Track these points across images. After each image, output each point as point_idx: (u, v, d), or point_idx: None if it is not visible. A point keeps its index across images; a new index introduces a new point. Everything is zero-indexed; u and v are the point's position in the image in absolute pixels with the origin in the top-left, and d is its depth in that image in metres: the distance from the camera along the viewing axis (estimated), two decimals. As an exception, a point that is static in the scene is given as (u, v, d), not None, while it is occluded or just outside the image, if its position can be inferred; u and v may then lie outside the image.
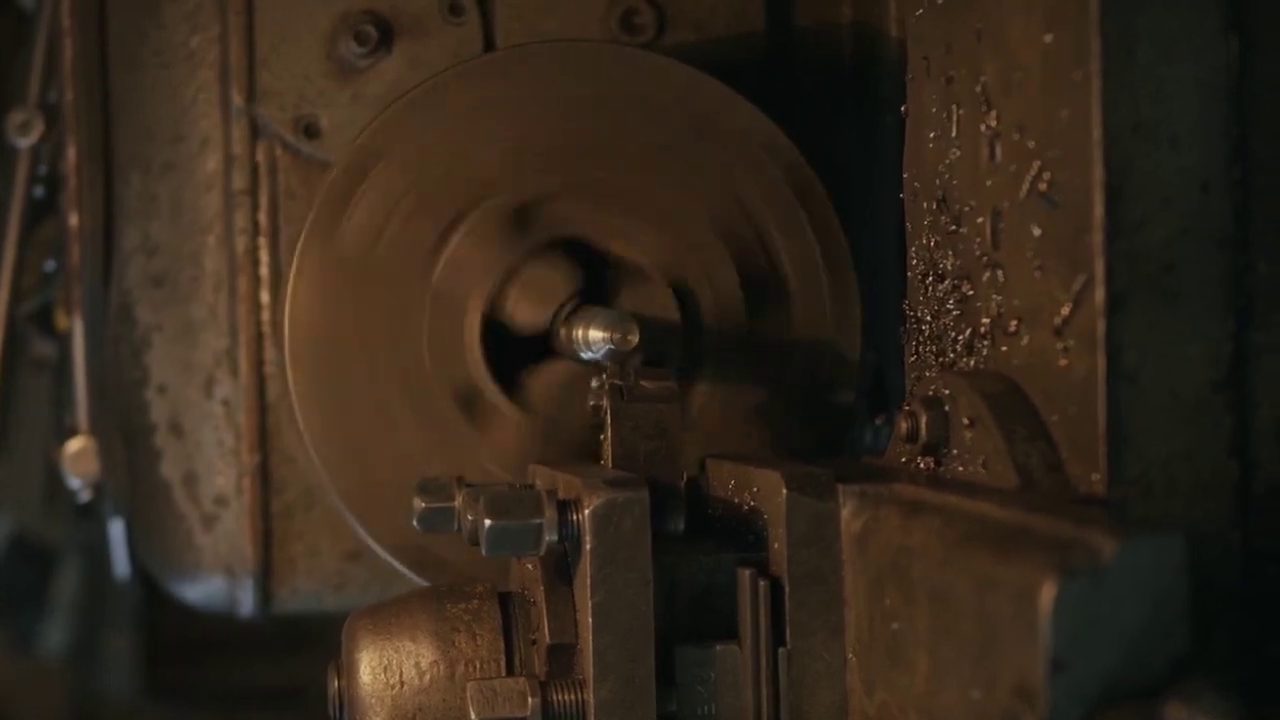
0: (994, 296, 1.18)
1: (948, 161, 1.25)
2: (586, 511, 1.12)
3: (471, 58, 1.49)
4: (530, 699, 1.14)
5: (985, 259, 1.19)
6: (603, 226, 1.43)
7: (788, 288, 1.46)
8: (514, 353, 1.43)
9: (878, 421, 1.57)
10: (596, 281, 1.43)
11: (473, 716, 1.14)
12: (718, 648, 1.15)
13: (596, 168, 1.44)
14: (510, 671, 1.21)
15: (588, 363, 1.36)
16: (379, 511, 1.45)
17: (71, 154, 1.67)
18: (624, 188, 1.44)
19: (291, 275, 1.45)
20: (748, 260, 1.45)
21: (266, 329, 1.60)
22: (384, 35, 1.57)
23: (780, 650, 1.13)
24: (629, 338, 1.30)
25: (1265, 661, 1.08)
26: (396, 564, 1.47)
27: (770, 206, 1.46)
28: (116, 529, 1.77)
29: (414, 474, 1.31)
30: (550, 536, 1.13)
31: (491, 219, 1.42)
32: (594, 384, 1.30)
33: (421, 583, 1.44)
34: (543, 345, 1.43)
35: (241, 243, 1.60)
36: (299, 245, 1.45)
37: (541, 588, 1.18)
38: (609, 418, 1.25)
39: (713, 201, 1.45)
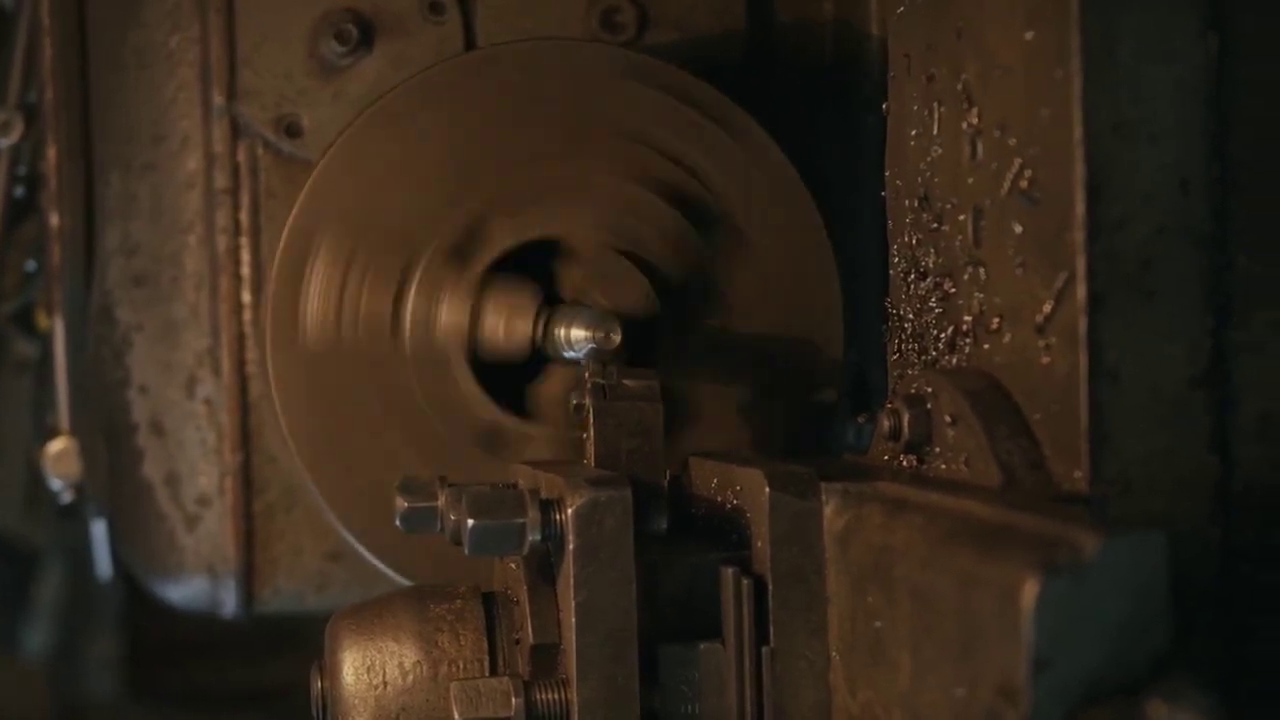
0: (976, 294, 1.18)
1: (929, 159, 1.25)
2: (569, 510, 1.11)
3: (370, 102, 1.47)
4: (514, 699, 1.13)
5: (967, 256, 1.19)
6: (540, 222, 1.40)
7: (735, 217, 1.43)
8: (499, 368, 1.42)
9: (860, 420, 1.57)
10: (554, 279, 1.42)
11: (456, 717, 1.14)
12: (701, 647, 1.15)
13: (513, 174, 1.42)
14: (493, 671, 1.21)
15: (571, 363, 1.35)
16: (361, 511, 1.45)
17: (51, 154, 1.67)
18: (548, 180, 1.42)
19: (271, 377, 1.44)
20: (686, 197, 1.42)
21: (248, 329, 1.60)
22: (365, 34, 1.57)
23: (764, 649, 1.13)
24: (611, 336, 1.30)
25: (1240, 660, 1.09)
26: (378, 564, 1.46)
27: (687, 137, 1.43)
28: (98, 530, 1.76)
29: (397, 472, 1.30)
30: (533, 536, 1.13)
31: (434, 266, 1.40)
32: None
33: (404, 582, 1.44)
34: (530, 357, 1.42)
35: (223, 242, 1.60)
36: (268, 348, 1.44)
37: (524, 587, 1.18)
38: (591, 416, 1.25)
39: (633, 158, 1.42)
